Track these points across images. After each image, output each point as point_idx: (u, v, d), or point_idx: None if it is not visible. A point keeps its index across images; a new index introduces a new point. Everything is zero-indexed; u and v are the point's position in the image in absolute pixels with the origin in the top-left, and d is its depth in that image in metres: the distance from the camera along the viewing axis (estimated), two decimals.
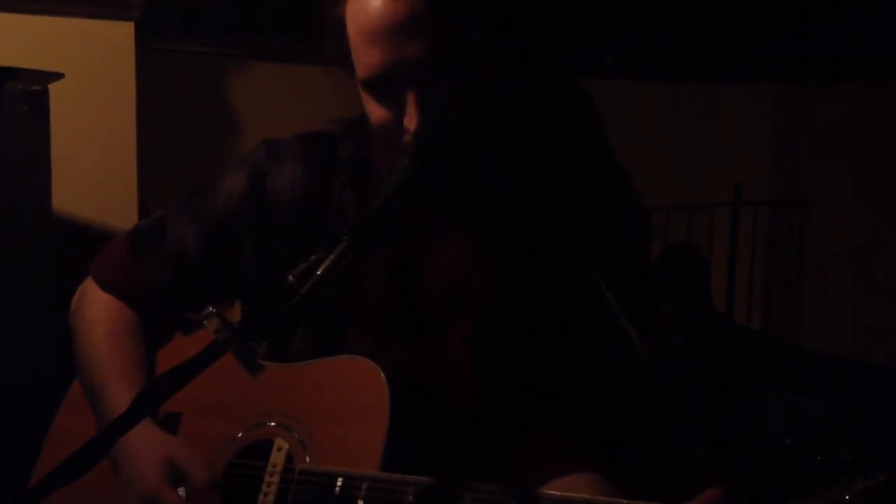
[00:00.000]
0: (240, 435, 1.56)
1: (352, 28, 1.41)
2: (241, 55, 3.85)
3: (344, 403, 1.49)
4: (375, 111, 1.44)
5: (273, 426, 1.54)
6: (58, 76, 2.62)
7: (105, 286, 1.69)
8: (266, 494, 1.49)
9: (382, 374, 1.46)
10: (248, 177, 1.60)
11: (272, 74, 3.90)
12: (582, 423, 1.48)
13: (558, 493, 1.35)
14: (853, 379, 3.79)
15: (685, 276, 4.04)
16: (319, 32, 1.50)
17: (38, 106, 2.52)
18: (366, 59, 1.40)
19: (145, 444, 1.51)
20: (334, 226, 1.50)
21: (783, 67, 4.71)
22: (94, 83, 3.05)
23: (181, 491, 1.49)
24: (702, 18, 4.38)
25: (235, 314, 1.56)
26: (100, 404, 1.60)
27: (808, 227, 4.92)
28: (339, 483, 1.42)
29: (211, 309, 1.24)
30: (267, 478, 1.50)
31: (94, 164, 3.05)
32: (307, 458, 1.49)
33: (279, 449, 1.51)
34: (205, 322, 1.24)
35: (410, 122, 1.39)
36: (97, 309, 1.68)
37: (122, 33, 3.09)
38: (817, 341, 4.87)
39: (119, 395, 1.58)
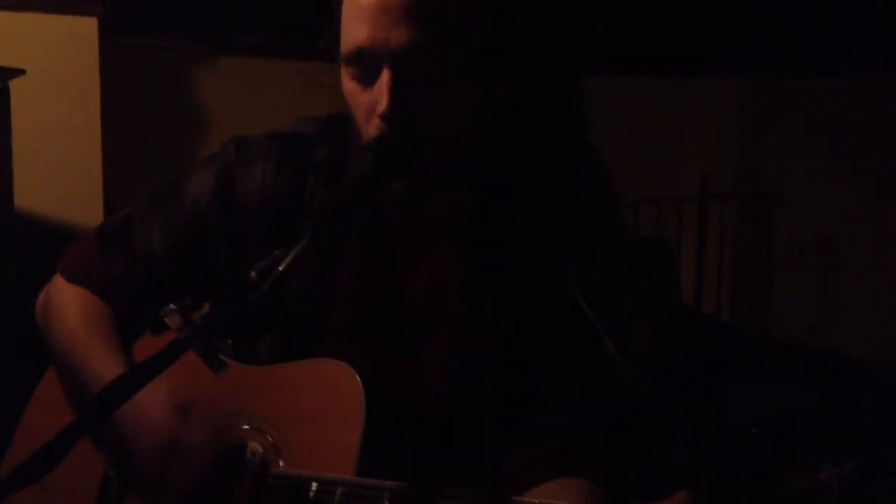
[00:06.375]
0: (212, 437, 1.52)
1: (347, 2, 1.38)
2: (207, 50, 3.82)
3: (318, 407, 1.45)
4: (351, 90, 1.40)
5: (246, 429, 1.50)
6: (19, 72, 2.59)
7: (73, 278, 1.64)
8: (239, 498, 1.46)
9: (358, 378, 1.43)
10: (216, 178, 1.56)
11: (238, 69, 3.87)
12: (562, 430, 1.46)
13: (535, 500, 1.33)
14: (821, 369, 3.81)
15: (655, 270, 4.06)
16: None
17: None
18: (353, 34, 1.36)
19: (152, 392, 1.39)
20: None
21: (746, 61, 4.73)
22: (57, 79, 3.01)
23: None
24: (666, 13, 4.39)
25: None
26: (83, 377, 1.55)
27: (775, 218, 4.95)
28: (313, 487, 1.40)
29: (172, 306, 1.23)
30: (240, 482, 1.47)
31: (57, 161, 3.02)
32: (281, 463, 1.46)
33: (252, 453, 1.48)
34: (166, 319, 1.23)
35: (380, 105, 1.35)
36: (67, 298, 1.63)
37: (85, 29, 3.05)
38: (785, 332, 4.90)
39: (104, 362, 1.54)
